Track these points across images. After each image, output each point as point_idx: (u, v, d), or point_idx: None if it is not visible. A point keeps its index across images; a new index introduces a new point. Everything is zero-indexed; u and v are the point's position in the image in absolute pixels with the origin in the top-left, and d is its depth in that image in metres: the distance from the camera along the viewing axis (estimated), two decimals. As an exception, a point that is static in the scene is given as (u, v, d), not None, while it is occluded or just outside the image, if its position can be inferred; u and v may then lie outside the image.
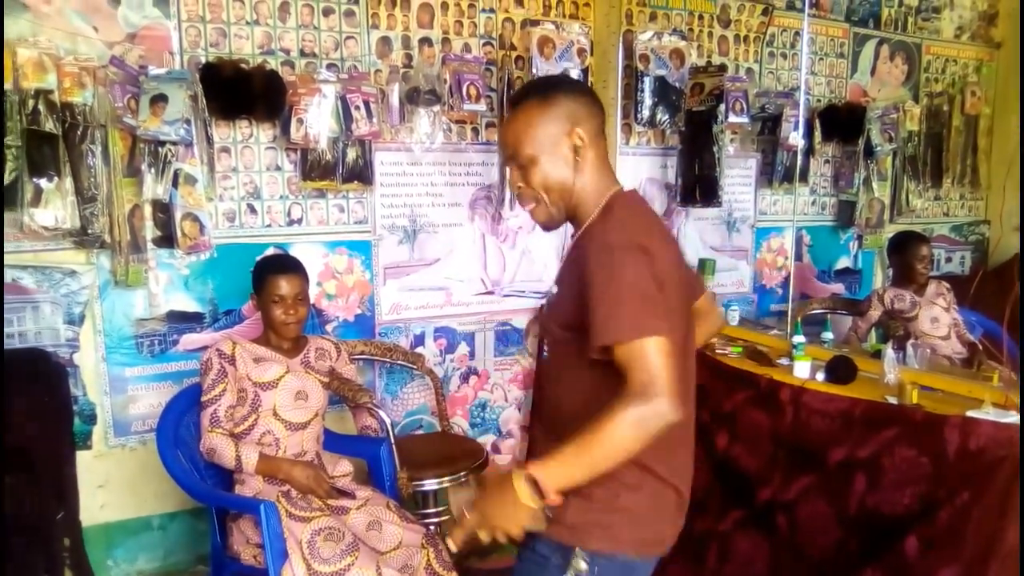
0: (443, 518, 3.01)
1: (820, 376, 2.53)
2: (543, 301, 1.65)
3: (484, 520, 1.39)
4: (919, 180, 4.51)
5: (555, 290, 1.57)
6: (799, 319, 3.03)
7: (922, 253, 3.55)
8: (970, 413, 2.07)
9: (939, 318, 3.47)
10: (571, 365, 1.49)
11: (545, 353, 1.62)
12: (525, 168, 1.49)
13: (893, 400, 2.28)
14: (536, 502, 1.33)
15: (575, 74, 3.42)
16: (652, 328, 1.32)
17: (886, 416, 2.21)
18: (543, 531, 1.44)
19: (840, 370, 2.51)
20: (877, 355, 2.61)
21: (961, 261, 4.88)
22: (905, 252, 3.59)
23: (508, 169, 1.55)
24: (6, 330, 2.70)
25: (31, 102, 2.51)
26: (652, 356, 1.30)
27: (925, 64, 4.62)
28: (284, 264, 2.53)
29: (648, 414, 1.29)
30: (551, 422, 1.59)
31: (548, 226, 1.56)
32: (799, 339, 2.71)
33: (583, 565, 1.48)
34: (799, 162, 3.84)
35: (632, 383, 1.30)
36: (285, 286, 2.44)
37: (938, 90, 4.65)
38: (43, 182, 2.54)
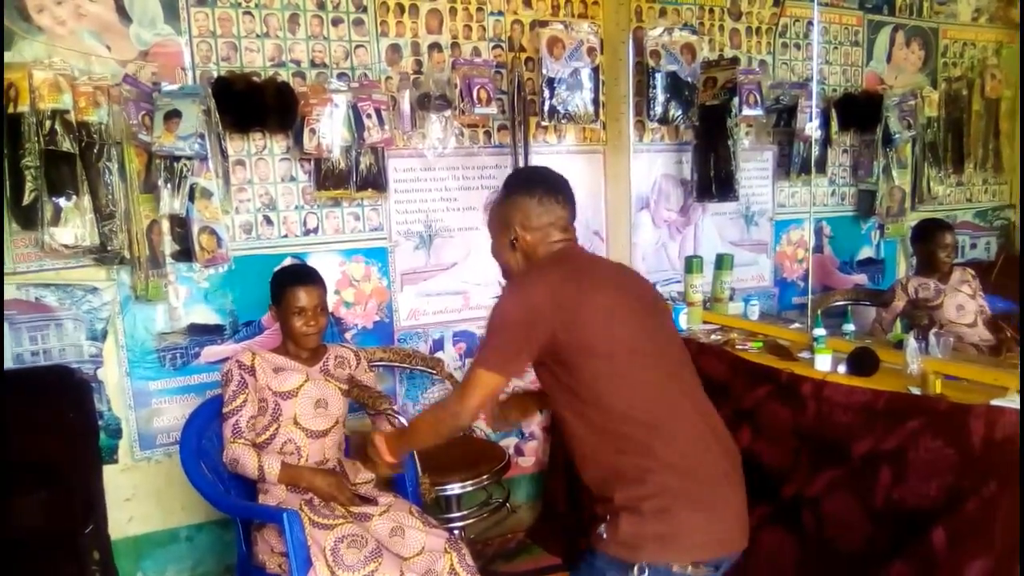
0: (466, 522, 3.02)
1: (842, 368, 2.50)
2: None
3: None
4: (940, 166, 4.44)
5: None
6: (820, 311, 3.00)
7: (945, 241, 3.50)
8: (995, 402, 2.03)
9: (965, 305, 3.42)
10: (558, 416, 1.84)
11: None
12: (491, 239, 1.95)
13: (916, 391, 2.25)
14: (381, 460, 1.97)
15: (586, 73, 3.42)
16: (487, 362, 1.74)
17: (910, 407, 2.18)
18: (601, 547, 1.64)
19: (862, 362, 2.48)
20: (900, 346, 2.57)
21: (987, 247, 4.80)
22: (928, 240, 3.54)
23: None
24: (30, 348, 2.76)
25: (48, 123, 2.54)
26: (472, 386, 1.74)
27: (942, 49, 4.56)
28: (303, 275, 2.53)
29: (445, 415, 1.84)
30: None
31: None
32: (820, 332, 2.68)
33: None
34: (816, 153, 3.80)
35: (453, 390, 1.78)
36: (305, 297, 2.44)
37: (957, 75, 4.58)
38: (62, 201, 2.57)
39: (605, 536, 1.64)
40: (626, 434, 1.64)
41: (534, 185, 1.87)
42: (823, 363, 2.53)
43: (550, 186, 1.87)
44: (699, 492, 1.64)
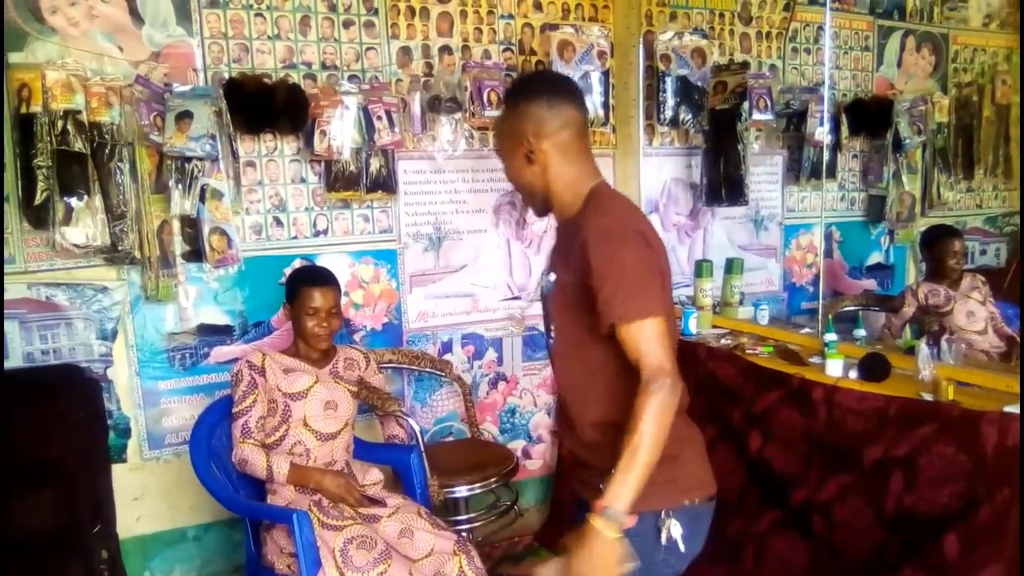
0: (474, 525, 3.01)
1: (853, 374, 2.49)
2: (541, 288, 1.78)
3: None
4: (950, 172, 4.42)
5: (552, 277, 1.68)
6: (830, 317, 2.99)
7: (955, 248, 3.48)
8: (1008, 408, 2.02)
9: (975, 312, 3.40)
10: (576, 343, 1.62)
11: (552, 337, 1.71)
12: (504, 164, 1.71)
13: (928, 397, 2.24)
14: (617, 531, 1.38)
15: (596, 77, 3.42)
16: (649, 309, 1.46)
17: (921, 413, 2.17)
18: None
19: (873, 367, 2.47)
20: (911, 351, 2.56)
21: (996, 253, 4.78)
22: (937, 247, 3.52)
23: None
24: (40, 347, 2.76)
25: (60, 123, 2.55)
26: (654, 337, 1.45)
27: (953, 54, 4.54)
28: (319, 276, 2.53)
29: (668, 397, 1.42)
30: (569, 395, 1.70)
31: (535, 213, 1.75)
32: (831, 337, 2.67)
33: (670, 522, 1.55)
34: (826, 158, 3.79)
35: (644, 368, 1.43)
36: (320, 299, 2.45)
37: (967, 80, 4.56)
38: (73, 201, 2.58)
39: None
40: None
41: (539, 88, 1.66)
42: (834, 368, 2.52)
43: (557, 85, 1.68)
44: (694, 433, 1.67)
